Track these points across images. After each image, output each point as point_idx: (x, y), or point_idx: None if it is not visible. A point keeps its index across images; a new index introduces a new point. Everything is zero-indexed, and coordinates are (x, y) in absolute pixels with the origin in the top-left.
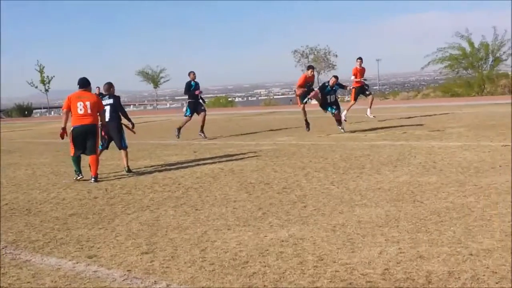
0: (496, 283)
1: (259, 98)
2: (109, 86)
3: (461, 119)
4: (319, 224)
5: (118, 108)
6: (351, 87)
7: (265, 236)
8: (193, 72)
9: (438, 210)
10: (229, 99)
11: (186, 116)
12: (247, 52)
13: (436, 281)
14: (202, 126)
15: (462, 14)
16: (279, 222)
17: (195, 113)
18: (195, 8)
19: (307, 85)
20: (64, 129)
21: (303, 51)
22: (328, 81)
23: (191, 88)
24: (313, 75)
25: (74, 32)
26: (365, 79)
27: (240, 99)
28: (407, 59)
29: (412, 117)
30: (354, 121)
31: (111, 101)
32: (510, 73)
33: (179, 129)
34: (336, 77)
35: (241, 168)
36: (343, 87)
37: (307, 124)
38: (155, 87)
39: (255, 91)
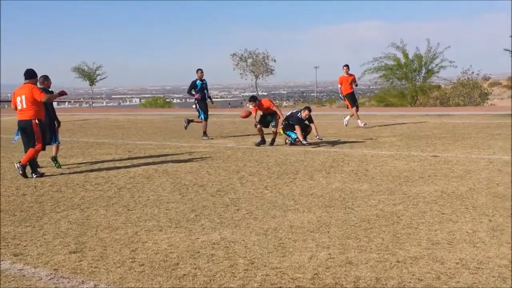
0: None
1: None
2: (44, 79)
3: (393, 128)
4: (251, 228)
5: (48, 104)
6: (342, 96)
7: (197, 238)
8: (200, 70)
9: (368, 217)
10: (167, 99)
11: (203, 120)
12: (185, 54)
13: (363, 287)
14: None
15: (398, 24)
16: (212, 224)
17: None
18: (133, 7)
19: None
20: None
21: (242, 55)
22: (300, 111)
23: (197, 88)
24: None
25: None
26: (355, 86)
27: (178, 100)
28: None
29: (347, 125)
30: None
31: None
32: (442, 85)
33: (204, 132)
34: (308, 109)
35: (175, 170)
36: (310, 123)
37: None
38: (91, 85)
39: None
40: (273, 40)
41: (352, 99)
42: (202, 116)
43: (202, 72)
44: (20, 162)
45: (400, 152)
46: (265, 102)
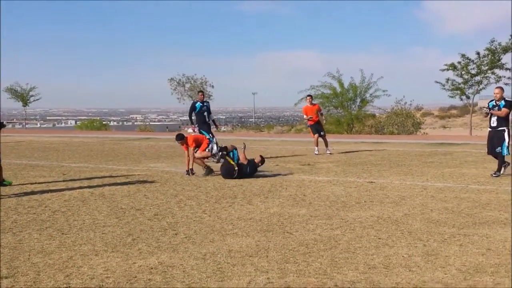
0: None
1: (135, 123)
2: None
3: (330, 155)
4: (190, 252)
5: None
6: (308, 125)
7: (134, 263)
8: (201, 92)
9: (306, 242)
10: (104, 122)
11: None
12: (122, 76)
13: None
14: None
15: (334, 55)
16: (149, 249)
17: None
18: (68, 26)
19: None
20: None
21: (180, 79)
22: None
23: (196, 111)
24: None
25: None
26: (323, 118)
27: (115, 123)
28: (283, 93)
29: (285, 151)
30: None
31: None
32: (377, 114)
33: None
34: (262, 158)
35: (112, 193)
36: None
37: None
38: (24, 106)
39: (131, 116)
40: (210, 66)
41: (317, 128)
42: (207, 135)
43: (203, 94)
44: None
45: (337, 178)
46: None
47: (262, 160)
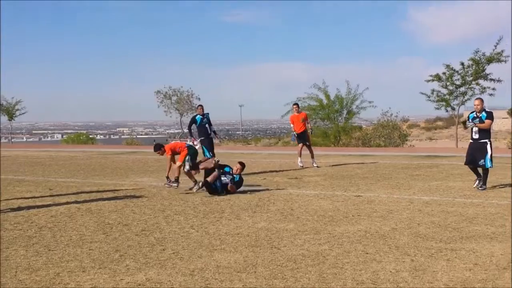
0: None
1: (122, 136)
2: None
3: (317, 168)
4: (178, 268)
5: None
6: (295, 134)
7: (121, 279)
8: (200, 106)
9: (294, 257)
10: (90, 136)
11: (208, 158)
12: (108, 89)
13: None
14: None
15: (320, 66)
16: (137, 265)
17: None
18: (54, 39)
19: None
20: None
21: (166, 92)
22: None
23: (197, 124)
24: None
25: None
26: (311, 129)
27: (101, 136)
28: (270, 106)
29: (272, 164)
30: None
31: None
32: (363, 126)
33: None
34: (242, 165)
35: (99, 208)
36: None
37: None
38: (9, 120)
39: (117, 129)
40: (196, 78)
41: (303, 138)
42: (207, 155)
43: (202, 108)
44: None
45: (324, 192)
46: (168, 147)
47: (242, 165)
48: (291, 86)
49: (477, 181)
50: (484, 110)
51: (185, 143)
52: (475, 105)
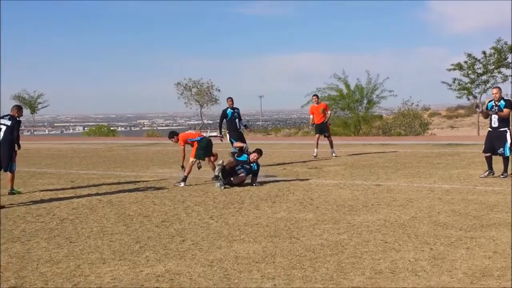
0: None
1: (143, 128)
2: (18, 109)
3: (337, 157)
4: (197, 259)
5: (14, 131)
6: (311, 125)
7: (141, 271)
8: (230, 98)
9: (313, 247)
10: (112, 128)
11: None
12: (129, 81)
13: None
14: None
15: (339, 56)
16: (156, 256)
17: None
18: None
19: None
20: None
21: (186, 84)
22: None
23: (228, 118)
24: None
25: None
26: (328, 121)
27: (122, 128)
28: (289, 96)
29: (292, 154)
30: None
31: (8, 122)
32: (384, 115)
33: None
34: (259, 152)
35: (119, 200)
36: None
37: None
38: (32, 113)
39: (138, 121)
40: (216, 69)
41: (321, 129)
42: (233, 142)
43: (232, 100)
44: None
45: (344, 181)
46: (181, 138)
47: (259, 153)
48: (311, 76)
49: (487, 172)
50: (503, 98)
51: (198, 135)
52: (493, 93)
